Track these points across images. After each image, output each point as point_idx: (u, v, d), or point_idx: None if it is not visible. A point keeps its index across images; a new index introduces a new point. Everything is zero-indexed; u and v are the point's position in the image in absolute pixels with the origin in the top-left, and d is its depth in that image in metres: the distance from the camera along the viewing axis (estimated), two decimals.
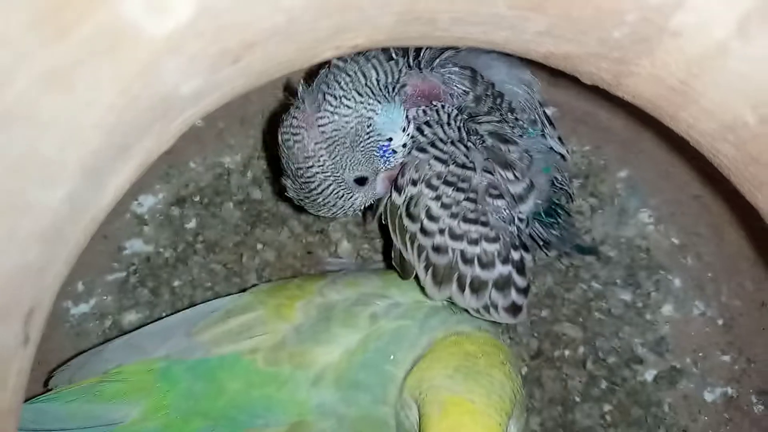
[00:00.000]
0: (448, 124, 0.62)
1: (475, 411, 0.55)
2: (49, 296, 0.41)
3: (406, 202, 0.62)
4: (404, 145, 0.61)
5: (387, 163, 0.61)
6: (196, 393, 0.64)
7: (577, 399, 0.78)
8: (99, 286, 0.80)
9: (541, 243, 0.75)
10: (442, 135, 0.61)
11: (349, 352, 0.63)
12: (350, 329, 0.64)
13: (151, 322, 0.73)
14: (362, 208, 0.64)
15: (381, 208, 0.66)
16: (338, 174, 0.60)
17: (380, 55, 0.62)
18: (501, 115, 0.64)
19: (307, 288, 0.69)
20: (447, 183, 0.60)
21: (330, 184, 0.60)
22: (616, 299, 0.81)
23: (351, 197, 0.62)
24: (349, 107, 0.59)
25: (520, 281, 0.63)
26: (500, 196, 0.61)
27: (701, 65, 0.41)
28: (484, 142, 0.62)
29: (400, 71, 0.61)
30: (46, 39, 0.32)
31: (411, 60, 0.63)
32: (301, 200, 0.63)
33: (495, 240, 0.61)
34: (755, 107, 0.41)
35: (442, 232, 0.61)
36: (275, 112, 0.83)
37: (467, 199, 0.60)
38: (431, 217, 0.61)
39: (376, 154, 0.60)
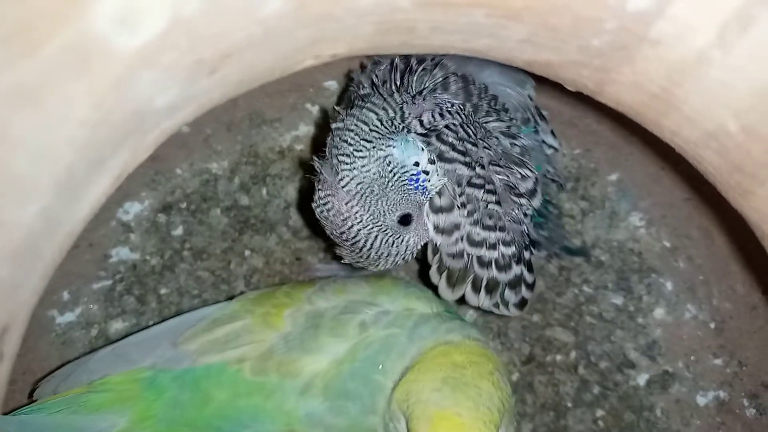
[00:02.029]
0: (467, 124, 0.62)
1: (463, 425, 0.54)
2: (25, 312, 0.41)
3: None
4: (432, 162, 0.60)
5: (424, 191, 0.60)
6: (182, 402, 0.63)
7: (570, 404, 0.78)
8: (85, 294, 0.79)
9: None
10: (464, 136, 0.61)
11: (338, 361, 0.62)
12: (339, 338, 0.63)
13: (138, 331, 0.72)
14: (418, 249, 0.63)
15: None
16: (379, 222, 0.59)
17: (374, 98, 0.61)
18: (497, 114, 0.64)
19: (295, 295, 0.68)
20: (473, 185, 0.61)
21: (376, 235, 0.60)
22: (608, 303, 0.81)
23: (402, 240, 0.61)
24: (363, 157, 0.58)
25: (529, 278, 0.66)
26: (521, 195, 0.63)
27: (682, 73, 0.41)
28: (498, 141, 0.62)
29: (400, 105, 0.61)
30: (13, 56, 0.32)
31: (403, 87, 0.63)
32: (358, 261, 0.63)
33: (511, 243, 0.63)
34: (737, 116, 0.41)
35: (460, 238, 0.62)
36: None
37: (492, 202, 0.61)
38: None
39: (409, 186, 0.60)
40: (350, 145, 0.58)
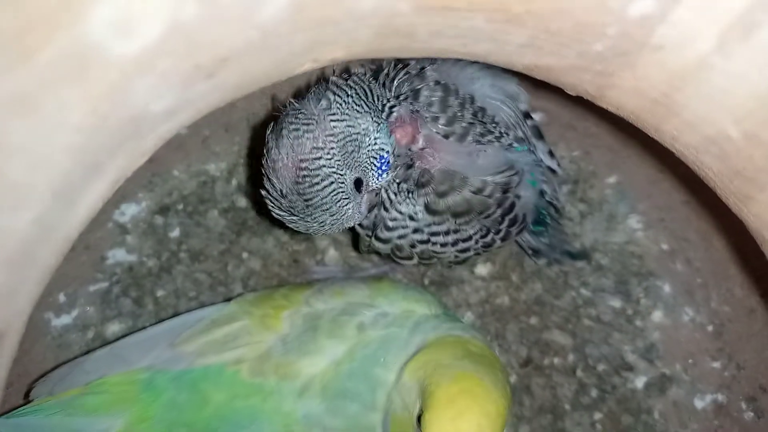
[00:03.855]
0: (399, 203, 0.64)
1: (486, 386, 0.54)
2: (21, 319, 0.41)
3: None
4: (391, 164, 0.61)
5: (379, 177, 0.60)
6: (179, 404, 0.63)
7: (567, 407, 0.78)
8: (81, 296, 0.79)
9: (530, 252, 0.75)
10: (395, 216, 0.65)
11: (336, 363, 0.62)
12: (337, 340, 0.63)
13: (135, 332, 0.72)
14: (347, 225, 0.61)
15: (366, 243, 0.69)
16: (343, 172, 0.56)
17: (372, 80, 0.62)
18: (484, 126, 0.63)
19: (293, 297, 0.68)
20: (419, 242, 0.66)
21: (332, 182, 0.56)
22: (606, 306, 0.81)
23: (346, 204, 0.58)
24: (359, 112, 0.57)
25: (499, 239, 0.68)
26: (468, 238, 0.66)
27: (683, 79, 0.40)
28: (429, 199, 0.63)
29: (387, 99, 0.61)
30: (9, 63, 0.32)
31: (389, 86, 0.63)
32: (291, 204, 0.57)
33: (469, 239, 0.66)
34: (738, 121, 0.41)
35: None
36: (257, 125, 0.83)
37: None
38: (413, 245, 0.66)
39: (375, 162, 0.59)
40: (350, 96, 0.58)
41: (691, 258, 0.80)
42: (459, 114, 0.62)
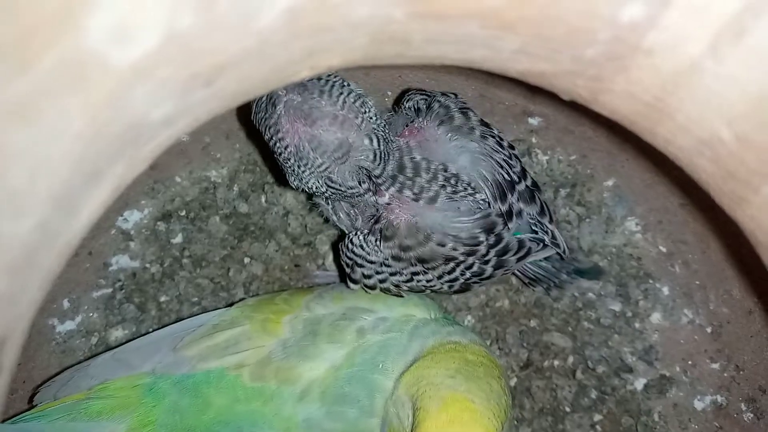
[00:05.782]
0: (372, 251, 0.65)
1: (475, 410, 0.54)
2: (23, 324, 0.41)
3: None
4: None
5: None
6: (181, 408, 0.64)
7: (567, 409, 0.78)
8: (85, 302, 0.80)
9: (527, 280, 0.75)
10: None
11: (335, 367, 0.63)
12: (336, 344, 0.64)
13: (137, 338, 0.72)
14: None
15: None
16: (296, 169, 0.63)
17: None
18: (455, 187, 0.63)
19: (293, 302, 0.68)
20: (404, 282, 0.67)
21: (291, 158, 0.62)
22: (605, 308, 0.81)
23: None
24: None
25: (490, 267, 0.67)
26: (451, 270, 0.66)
27: (676, 82, 0.41)
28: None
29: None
30: (7, 72, 0.32)
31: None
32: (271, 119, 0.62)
33: (453, 270, 0.66)
34: (730, 124, 0.41)
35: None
36: None
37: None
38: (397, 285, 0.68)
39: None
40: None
41: (688, 260, 0.80)
42: (426, 185, 0.63)
